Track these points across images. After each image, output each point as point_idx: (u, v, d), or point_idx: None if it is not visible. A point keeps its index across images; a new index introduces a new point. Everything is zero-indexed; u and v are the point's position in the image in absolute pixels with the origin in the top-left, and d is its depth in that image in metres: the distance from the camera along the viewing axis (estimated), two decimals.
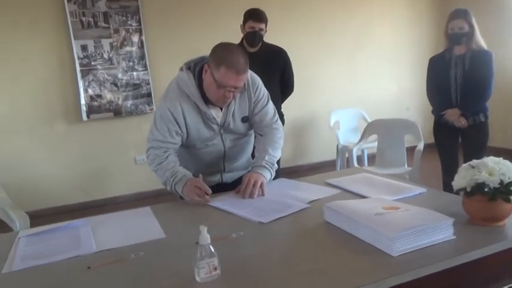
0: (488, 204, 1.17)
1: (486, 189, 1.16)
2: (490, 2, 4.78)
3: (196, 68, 1.69)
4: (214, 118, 1.73)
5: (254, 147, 1.95)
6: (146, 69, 4.34)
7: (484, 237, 1.14)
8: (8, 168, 3.96)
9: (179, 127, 1.71)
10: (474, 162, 1.25)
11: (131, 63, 4.29)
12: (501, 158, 1.24)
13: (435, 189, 1.63)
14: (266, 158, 1.77)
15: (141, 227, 1.47)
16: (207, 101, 1.69)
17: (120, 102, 4.28)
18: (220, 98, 1.63)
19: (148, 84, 4.36)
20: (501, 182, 1.16)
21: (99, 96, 4.21)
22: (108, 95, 4.24)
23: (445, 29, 2.90)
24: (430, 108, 5.91)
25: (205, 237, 1.03)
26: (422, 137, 3.32)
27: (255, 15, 2.95)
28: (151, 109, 4.38)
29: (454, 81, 2.89)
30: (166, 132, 1.70)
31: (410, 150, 3.38)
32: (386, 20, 5.39)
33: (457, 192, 1.28)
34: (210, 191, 1.64)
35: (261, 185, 1.67)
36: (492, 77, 2.85)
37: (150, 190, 4.42)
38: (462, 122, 2.88)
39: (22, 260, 1.23)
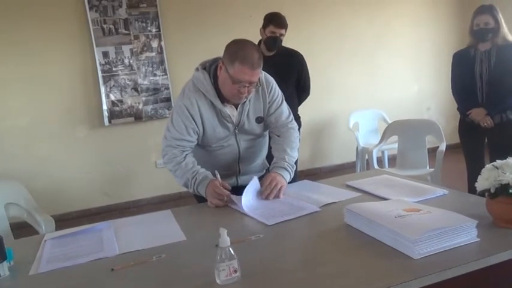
0: None
1: (510, 191, 1.14)
2: None
3: (211, 68, 1.73)
4: (230, 116, 1.76)
5: (269, 148, 1.96)
6: (166, 74, 4.40)
7: (508, 239, 1.12)
8: (34, 172, 4.08)
9: (196, 124, 1.73)
10: (498, 162, 1.22)
11: (151, 69, 4.36)
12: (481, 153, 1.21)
13: (458, 190, 1.60)
14: (286, 158, 1.78)
15: (162, 229, 1.49)
16: (222, 99, 1.71)
17: (140, 106, 4.36)
18: (236, 93, 1.65)
19: (167, 88, 4.42)
20: None
21: (120, 101, 4.29)
22: (128, 100, 4.32)
23: (470, 25, 2.81)
24: (452, 108, 5.78)
25: (225, 239, 1.04)
26: (444, 137, 3.25)
27: (276, 21, 2.96)
28: (171, 113, 4.43)
29: (480, 78, 2.80)
30: (183, 130, 1.72)
31: (432, 151, 3.33)
32: (406, 19, 5.31)
33: (482, 194, 1.26)
34: (227, 193, 1.65)
35: (281, 188, 1.68)
36: None
37: (171, 193, 4.49)
38: (488, 122, 2.78)
39: (48, 262, 1.27)
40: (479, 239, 1.11)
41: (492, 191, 1.18)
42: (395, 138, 3.58)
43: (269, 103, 1.81)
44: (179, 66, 4.42)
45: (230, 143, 1.82)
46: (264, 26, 3.01)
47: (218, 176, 1.71)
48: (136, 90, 4.33)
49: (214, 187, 1.67)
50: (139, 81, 4.34)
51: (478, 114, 2.82)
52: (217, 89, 1.70)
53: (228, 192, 1.66)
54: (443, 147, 3.17)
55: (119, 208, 4.33)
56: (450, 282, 1.00)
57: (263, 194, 1.66)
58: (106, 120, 4.25)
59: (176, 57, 4.42)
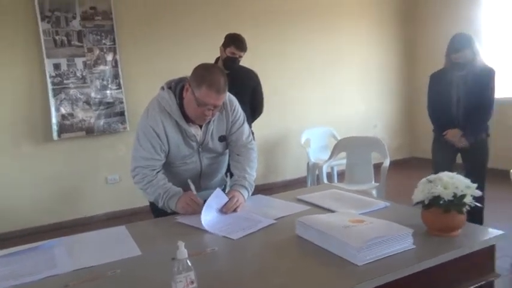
0: (444, 215, 1.28)
1: (441, 202, 1.27)
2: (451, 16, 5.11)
3: (177, 88, 1.77)
4: (194, 136, 1.80)
5: (228, 165, 2.02)
6: (120, 88, 4.35)
7: (440, 246, 1.24)
8: None
9: (162, 143, 1.76)
10: (431, 177, 1.36)
11: (105, 82, 4.29)
12: (455, 173, 1.35)
13: (400, 203, 1.73)
14: (246, 177, 1.86)
15: (116, 245, 1.49)
16: (187, 119, 1.76)
17: (92, 121, 4.26)
18: (200, 115, 1.70)
19: (121, 103, 4.37)
20: (454, 195, 1.27)
21: (71, 115, 4.18)
22: (80, 114, 4.21)
23: (446, 54, 2.86)
24: (396, 125, 6.16)
25: (183, 251, 1.08)
26: (388, 154, 3.46)
27: (238, 43, 3.07)
28: (125, 128, 4.37)
29: (456, 100, 2.86)
30: (151, 149, 1.75)
31: (378, 166, 3.53)
32: (355, 42, 5.64)
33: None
34: (201, 202, 1.69)
35: (240, 205, 1.75)
36: (493, 94, 2.82)
37: (122, 209, 4.39)
38: (463, 143, 2.84)
39: None
40: (415, 246, 1.23)
41: (426, 202, 1.30)
42: (344, 154, 3.76)
43: (231, 122, 1.87)
44: (134, 80, 4.39)
45: (193, 160, 1.87)
46: (225, 46, 3.10)
47: (192, 187, 1.77)
48: (88, 103, 4.24)
49: (190, 195, 1.74)
50: (92, 94, 4.25)
51: (454, 135, 2.87)
52: (182, 109, 1.74)
53: (201, 202, 1.69)
54: (387, 163, 3.38)
55: (67, 226, 4.15)
56: (390, 285, 1.10)
57: (224, 207, 1.71)
58: (55, 134, 4.10)
59: (131, 71, 4.39)
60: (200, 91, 1.64)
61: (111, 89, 4.32)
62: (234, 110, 1.88)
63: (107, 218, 4.33)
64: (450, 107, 2.89)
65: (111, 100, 4.33)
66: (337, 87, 5.53)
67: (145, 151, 1.76)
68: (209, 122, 1.80)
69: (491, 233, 1.34)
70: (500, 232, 1.33)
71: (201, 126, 1.81)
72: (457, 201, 1.27)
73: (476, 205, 1.32)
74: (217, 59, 3.21)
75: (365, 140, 3.72)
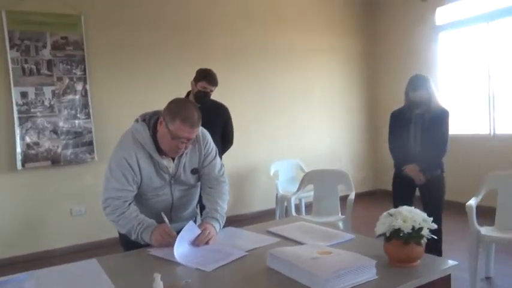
0: (404, 247, 1.38)
1: (401, 234, 1.37)
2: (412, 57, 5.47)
3: (151, 120, 1.82)
4: (167, 168, 1.84)
5: (200, 197, 2.06)
6: (89, 118, 4.33)
7: (401, 276, 1.34)
8: None
9: (135, 174, 1.78)
10: (392, 210, 1.46)
11: (73, 111, 4.26)
12: (413, 207, 1.47)
13: (365, 235, 1.83)
14: (218, 210, 1.91)
15: (89, 279, 1.49)
16: (160, 151, 1.80)
17: (59, 150, 4.19)
18: (174, 148, 1.75)
19: (90, 132, 4.34)
20: (413, 228, 1.38)
21: (37, 144, 4.10)
22: (46, 143, 4.14)
23: (405, 93, 3.04)
24: (361, 158, 6.37)
25: (159, 283, 1.11)
26: (353, 187, 3.59)
27: (209, 78, 3.17)
28: (92, 158, 4.32)
29: (414, 137, 3.02)
30: (123, 180, 1.77)
31: (344, 199, 3.65)
32: (322, 81, 5.91)
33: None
34: (175, 234, 1.70)
35: (212, 237, 1.78)
36: (448, 133, 3.00)
37: (87, 242, 4.27)
38: (421, 178, 2.98)
39: None
40: (378, 276, 1.32)
41: (387, 234, 1.40)
42: (311, 186, 3.87)
43: (204, 156, 1.93)
44: (104, 110, 4.39)
45: (165, 192, 1.89)
46: (196, 80, 3.19)
47: (166, 220, 1.77)
48: (55, 133, 4.18)
49: (164, 227, 1.75)
50: (60, 123, 4.20)
51: (412, 170, 3.00)
52: (156, 142, 1.79)
53: (175, 235, 1.70)
54: (352, 195, 3.50)
55: (29, 259, 3.98)
56: None
57: (197, 240, 1.74)
58: (19, 163, 4.00)
59: (102, 101, 4.40)
60: (174, 125, 1.70)
61: (80, 119, 4.29)
62: (207, 143, 1.95)
63: (71, 251, 4.18)
64: (408, 143, 3.05)
65: (79, 130, 4.29)
66: (304, 121, 5.73)
67: (118, 182, 1.77)
68: (182, 154, 1.85)
69: (448, 263, 1.45)
70: (455, 263, 1.44)
71: (173, 159, 1.86)
72: (415, 233, 1.38)
73: (433, 237, 1.43)
74: (189, 93, 3.29)
75: (331, 173, 3.85)
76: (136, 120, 1.85)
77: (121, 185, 1.77)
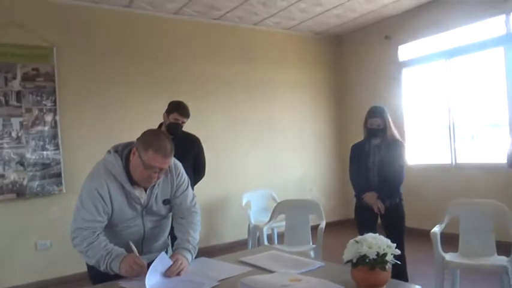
0: (370, 272, 1.43)
1: (367, 260, 1.43)
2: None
3: (124, 151, 1.84)
4: (139, 198, 1.85)
5: (172, 228, 2.06)
6: (58, 149, 4.26)
7: None
8: None
9: (106, 205, 1.78)
10: (358, 237, 1.53)
11: (42, 143, 4.19)
12: (377, 234, 1.54)
13: (335, 262, 1.88)
14: (190, 240, 1.91)
15: None
16: (132, 182, 1.82)
17: (25, 182, 4.08)
18: (146, 178, 1.77)
19: (58, 164, 4.25)
20: (378, 254, 1.44)
21: (2, 176, 3.98)
22: (12, 175, 4.03)
23: (364, 123, 3.22)
24: (331, 188, 6.48)
25: None
26: (324, 216, 3.66)
27: (181, 110, 3.22)
28: (60, 190, 4.22)
29: (372, 167, 3.17)
30: (93, 211, 1.76)
31: (315, 228, 3.70)
32: (293, 110, 6.08)
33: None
34: (145, 264, 1.69)
35: (184, 268, 1.78)
36: (403, 163, 3.16)
37: (52, 278, 4.11)
38: (379, 205, 3.11)
39: None
40: None
41: (354, 261, 1.46)
42: (283, 216, 3.91)
43: (176, 186, 1.95)
44: (74, 141, 4.34)
45: (136, 223, 1.89)
46: (168, 112, 3.24)
47: (134, 249, 1.75)
48: (22, 164, 4.08)
49: (134, 257, 1.72)
50: (27, 155, 4.11)
51: (370, 198, 3.14)
52: (128, 173, 1.81)
53: (145, 264, 1.69)
54: (323, 224, 3.56)
55: None
56: None
57: (168, 271, 1.73)
58: None
59: (71, 132, 4.35)
60: (147, 155, 1.73)
61: (48, 150, 4.22)
62: (179, 174, 1.97)
63: (36, 286, 4.00)
64: (368, 173, 3.21)
65: (47, 161, 4.20)
66: (276, 151, 5.84)
67: (88, 213, 1.76)
68: (154, 185, 1.86)
69: (411, 287, 1.52)
70: (418, 287, 1.51)
71: (146, 190, 1.87)
72: (380, 259, 1.44)
73: (397, 263, 1.49)
74: (161, 125, 3.33)
75: (302, 203, 3.91)
76: (109, 152, 1.86)
77: (91, 216, 1.76)
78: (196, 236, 1.96)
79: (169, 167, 1.88)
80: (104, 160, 1.85)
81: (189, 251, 1.88)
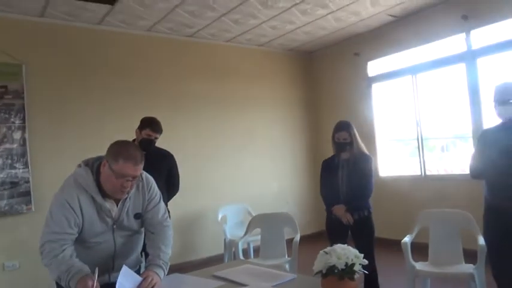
0: (339, 282, 1.48)
1: (336, 271, 1.47)
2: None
3: (94, 165, 1.83)
4: (109, 211, 1.83)
5: (144, 244, 2.05)
6: (27, 167, 4.15)
7: None
8: None
9: (76, 216, 1.75)
10: (328, 249, 1.57)
11: (9, 161, 4.08)
12: (346, 245, 1.58)
13: (310, 275, 1.90)
14: (161, 256, 1.89)
15: None
16: (103, 194, 1.81)
17: None
18: (119, 188, 1.76)
19: (27, 182, 4.14)
20: (346, 264, 1.49)
21: None
22: None
23: (332, 138, 3.29)
24: (306, 201, 6.54)
25: None
26: (298, 229, 3.69)
27: (153, 126, 3.23)
28: (29, 208, 4.11)
29: (341, 181, 3.23)
30: (64, 223, 1.73)
31: (291, 241, 3.72)
32: (266, 125, 6.15)
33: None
34: None
35: (155, 285, 1.77)
36: (371, 177, 3.22)
37: None
38: (348, 218, 3.15)
39: None
40: None
41: (324, 271, 1.50)
42: (258, 230, 3.92)
43: (148, 200, 1.95)
44: (43, 159, 4.25)
45: (106, 239, 1.87)
46: (141, 128, 3.24)
47: (96, 275, 1.67)
48: None
49: (88, 280, 1.63)
50: None
51: (339, 210, 3.19)
52: (99, 185, 1.80)
53: None
54: (297, 238, 3.59)
55: None
56: None
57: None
58: None
59: (41, 150, 4.26)
60: (118, 164, 1.73)
61: (17, 168, 4.11)
62: (151, 188, 1.98)
63: None
64: (337, 186, 3.28)
65: (16, 180, 4.09)
66: (250, 166, 5.87)
67: (57, 226, 1.73)
68: (126, 198, 1.86)
69: None
70: None
71: (117, 203, 1.86)
72: (348, 269, 1.48)
73: (364, 272, 1.54)
74: (133, 141, 3.31)
75: (277, 216, 3.93)
76: (79, 165, 1.85)
77: (61, 229, 1.73)
78: (167, 251, 1.95)
79: (141, 180, 1.89)
80: (74, 174, 1.84)
81: (160, 266, 1.87)
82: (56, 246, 1.72)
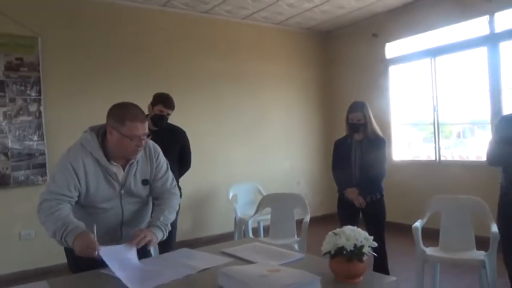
0: (347, 264, 1.47)
1: (344, 252, 1.47)
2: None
3: (100, 130, 1.85)
4: (116, 174, 1.84)
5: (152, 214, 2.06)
6: (42, 140, 4.22)
7: None
8: None
9: (78, 181, 1.77)
10: (337, 230, 1.56)
11: (26, 133, 4.15)
12: (355, 227, 1.57)
13: (318, 255, 1.90)
14: (161, 219, 1.90)
15: None
16: (108, 159, 1.82)
17: (8, 172, 4.04)
18: (134, 149, 1.79)
19: (43, 154, 4.22)
20: (355, 246, 1.48)
21: None
22: None
23: (346, 118, 3.27)
24: (318, 182, 6.53)
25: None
26: (308, 210, 3.69)
27: (166, 101, 3.22)
28: (45, 180, 4.19)
29: (354, 163, 3.22)
30: (64, 185, 1.75)
31: (301, 221, 3.72)
32: (280, 105, 6.11)
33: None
34: (96, 246, 1.61)
35: (149, 242, 1.78)
36: (385, 160, 3.22)
37: (36, 268, 4.08)
38: (360, 201, 3.17)
39: None
40: None
41: (332, 252, 1.49)
42: (269, 209, 3.94)
43: (156, 168, 1.96)
44: (59, 131, 4.30)
45: (114, 205, 1.88)
46: (153, 104, 3.23)
47: (94, 230, 1.66)
48: (5, 154, 4.04)
49: (85, 237, 1.63)
50: (10, 145, 4.07)
51: (352, 193, 3.20)
52: (105, 149, 1.81)
53: (96, 246, 1.61)
54: (307, 218, 3.59)
55: None
56: None
57: (132, 241, 1.73)
58: None
59: (56, 123, 4.31)
60: (125, 127, 1.74)
61: (32, 140, 4.18)
62: (158, 156, 1.99)
63: (19, 277, 3.97)
64: (350, 168, 3.25)
65: (32, 151, 4.17)
66: (263, 145, 5.86)
67: (58, 187, 1.75)
68: (132, 163, 1.87)
69: (387, 278, 1.56)
70: (394, 278, 1.55)
71: (123, 168, 1.87)
72: (357, 251, 1.47)
73: (374, 255, 1.53)
74: (146, 117, 3.31)
75: (288, 197, 3.94)
76: (85, 131, 1.88)
77: (60, 190, 1.75)
78: (170, 216, 1.95)
79: (148, 147, 1.92)
80: (80, 138, 1.85)
81: (159, 227, 1.87)
82: (53, 204, 1.73)
